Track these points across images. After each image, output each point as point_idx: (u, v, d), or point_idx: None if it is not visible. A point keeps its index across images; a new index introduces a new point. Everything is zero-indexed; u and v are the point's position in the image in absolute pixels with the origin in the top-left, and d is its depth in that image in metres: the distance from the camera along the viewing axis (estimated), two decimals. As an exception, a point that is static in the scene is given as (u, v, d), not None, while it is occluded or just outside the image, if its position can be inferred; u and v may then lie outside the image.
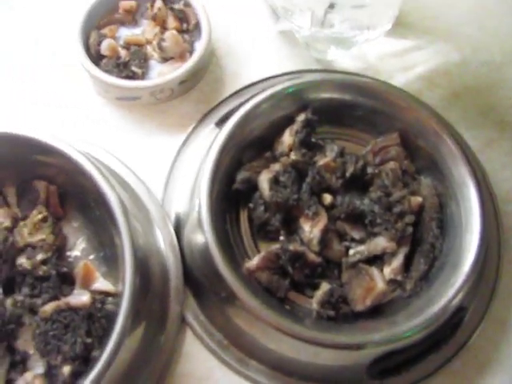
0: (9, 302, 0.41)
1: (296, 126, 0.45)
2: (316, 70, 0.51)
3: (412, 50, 0.53)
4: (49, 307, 0.40)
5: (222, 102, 0.49)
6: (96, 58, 0.49)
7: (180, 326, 0.42)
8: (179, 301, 0.43)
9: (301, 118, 0.46)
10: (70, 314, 0.40)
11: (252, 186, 0.44)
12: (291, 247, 0.42)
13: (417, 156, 0.47)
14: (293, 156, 0.44)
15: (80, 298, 0.41)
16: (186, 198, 0.46)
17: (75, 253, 0.44)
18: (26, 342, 0.41)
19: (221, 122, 0.47)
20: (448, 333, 0.42)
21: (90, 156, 0.43)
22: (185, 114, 0.49)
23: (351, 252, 0.43)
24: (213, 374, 0.42)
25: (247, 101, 0.45)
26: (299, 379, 0.41)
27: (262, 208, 0.43)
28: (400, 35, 0.53)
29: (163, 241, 0.45)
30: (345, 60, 0.52)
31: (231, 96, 0.50)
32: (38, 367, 0.41)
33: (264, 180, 0.43)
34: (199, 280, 0.43)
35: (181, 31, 0.50)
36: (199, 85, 0.50)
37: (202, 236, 0.41)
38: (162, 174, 0.46)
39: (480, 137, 0.50)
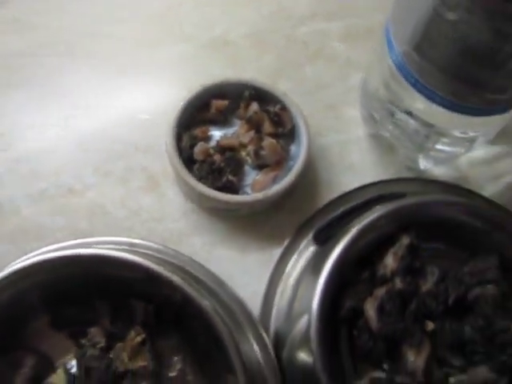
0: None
1: (401, 252, 0.44)
2: (409, 179, 0.50)
3: (504, 157, 0.52)
4: None
5: (317, 212, 0.48)
6: (188, 163, 0.47)
7: None
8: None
9: (405, 241, 0.45)
10: None
11: (356, 315, 0.43)
12: (398, 380, 0.41)
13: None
14: (398, 285, 0.43)
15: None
16: (284, 315, 0.45)
17: (172, 373, 0.43)
18: None
19: (319, 236, 0.46)
20: None
21: (185, 272, 0.42)
22: (280, 224, 0.48)
23: (452, 380, 0.43)
24: None
25: (351, 218, 0.44)
26: None
27: (366, 336, 0.43)
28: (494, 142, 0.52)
29: (261, 359, 0.44)
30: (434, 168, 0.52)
31: (325, 207, 0.49)
32: None
33: (371, 309, 0.43)
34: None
35: (275, 135, 0.49)
36: (299, 190, 0.49)
37: (309, 357, 0.40)
38: (261, 289, 0.45)
39: None
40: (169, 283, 0.39)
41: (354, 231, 0.43)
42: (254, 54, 0.55)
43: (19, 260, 0.41)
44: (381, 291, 0.44)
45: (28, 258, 0.40)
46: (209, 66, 0.54)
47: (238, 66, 0.55)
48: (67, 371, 0.42)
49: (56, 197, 0.48)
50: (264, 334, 0.45)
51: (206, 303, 0.38)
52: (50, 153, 0.50)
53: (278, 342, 0.45)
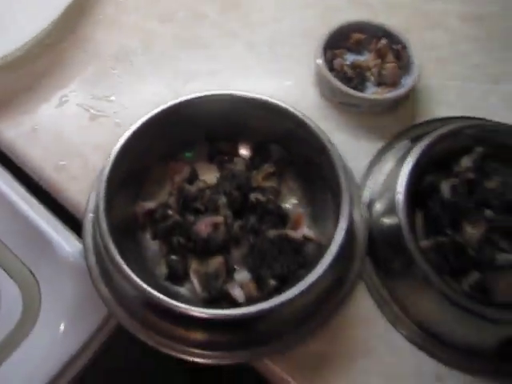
0: (236, 225, 0.55)
1: (475, 156, 0.58)
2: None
3: None
4: (272, 233, 0.54)
5: (416, 125, 0.63)
6: (328, 70, 0.64)
7: (357, 280, 0.55)
8: (361, 258, 0.55)
9: (479, 149, 0.58)
10: (286, 243, 0.53)
11: (433, 189, 0.57)
12: (457, 238, 0.54)
13: None
14: (470, 175, 0.57)
15: (296, 234, 0.54)
16: (379, 187, 0.59)
17: (287, 205, 0.58)
18: (236, 258, 0.55)
19: (415, 140, 0.61)
20: None
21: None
22: (387, 127, 0.63)
23: (499, 256, 0.55)
24: (373, 321, 0.54)
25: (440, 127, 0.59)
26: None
27: (438, 205, 0.56)
28: None
29: (357, 213, 0.57)
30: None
31: (422, 123, 0.63)
32: (246, 275, 0.54)
33: (445, 186, 0.56)
34: (379, 250, 0.56)
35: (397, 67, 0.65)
36: (401, 108, 0.64)
37: (396, 219, 0.53)
38: (362, 167, 0.60)
39: None
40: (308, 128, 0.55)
41: (434, 135, 0.57)
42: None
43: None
44: (456, 179, 0.57)
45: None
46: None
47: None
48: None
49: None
50: (361, 197, 0.59)
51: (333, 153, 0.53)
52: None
53: (371, 205, 0.59)
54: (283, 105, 0.56)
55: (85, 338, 0.57)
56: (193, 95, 0.57)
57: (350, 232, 0.53)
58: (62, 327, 0.57)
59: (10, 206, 0.61)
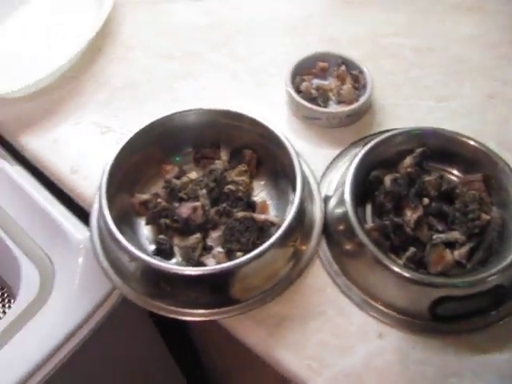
0: (212, 210, 0.67)
1: (416, 155, 0.69)
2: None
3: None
4: (240, 214, 0.65)
5: (370, 135, 0.75)
6: (296, 92, 0.77)
7: (313, 257, 0.66)
8: (317, 239, 0.66)
9: (419, 150, 0.70)
10: (251, 223, 0.65)
11: (379, 182, 0.68)
12: (396, 220, 0.65)
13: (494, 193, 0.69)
14: (410, 169, 0.68)
15: (260, 217, 0.66)
16: (334, 185, 0.70)
17: (257, 198, 0.70)
18: (213, 239, 0.66)
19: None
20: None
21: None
22: (345, 138, 0.75)
23: (434, 236, 0.65)
24: (326, 290, 0.64)
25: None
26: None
27: (382, 195, 0.67)
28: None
29: (316, 205, 0.69)
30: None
31: (376, 133, 0.75)
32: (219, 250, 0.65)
33: (388, 179, 0.68)
34: (332, 234, 0.67)
35: (353, 88, 0.77)
36: (357, 123, 0.76)
37: (344, 208, 0.65)
38: (322, 170, 0.72)
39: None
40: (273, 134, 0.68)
41: (375, 140, 0.69)
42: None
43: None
44: (397, 174, 0.69)
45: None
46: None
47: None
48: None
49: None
50: (319, 192, 0.71)
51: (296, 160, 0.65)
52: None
53: (326, 200, 0.70)
54: (254, 116, 0.69)
55: (90, 308, 0.69)
56: (177, 110, 0.70)
57: (303, 213, 0.64)
58: (71, 299, 0.69)
59: (32, 203, 0.74)
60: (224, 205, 0.66)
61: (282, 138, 0.67)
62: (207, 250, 0.65)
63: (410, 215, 0.66)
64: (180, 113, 0.70)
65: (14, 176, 0.78)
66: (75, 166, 0.74)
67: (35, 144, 0.77)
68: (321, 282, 0.64)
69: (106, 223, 0.62)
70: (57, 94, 0.83)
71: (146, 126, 0.68)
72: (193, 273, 0.59)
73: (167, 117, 0.69)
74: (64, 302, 0.69)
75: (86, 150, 0.76)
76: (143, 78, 0.84)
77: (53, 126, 0.79)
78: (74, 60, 0.83)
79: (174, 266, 0.59)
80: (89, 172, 0.73)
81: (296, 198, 0.62)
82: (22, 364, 0.65)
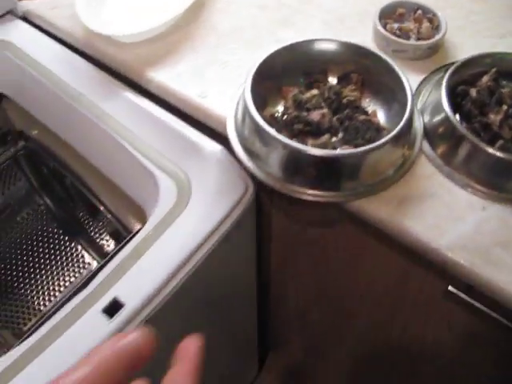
0: (334, 118, 0.81)
1: (491, 73, 0.85)
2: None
3: None
4: (362, 117, 0.79)
5: (446, 64, 0.90)
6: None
7: (419, 154, 0.80)
8: (420, 141, 0.81)
9: (494, 69, 0.85)
10: (370, 124, 0.79)
11: (464, 94, 0.83)
12: (485, 119, 0.80)
13: None
14: (490, 83, 0.84)
15: (376, 119, 0.80)
16: (425, 100, 0.86)
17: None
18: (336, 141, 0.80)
19: (446, 71, 0.88)
20: None
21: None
22: (428, 66, 0.90)
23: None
24: (433, 176, 0.78)
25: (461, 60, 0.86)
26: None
27: (469, 103, 0.82)
28: None
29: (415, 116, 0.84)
30: None
31: (452, 63, 0.90)
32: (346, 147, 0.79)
33: (473, 90, 0.83)
34: (433, 137, 0.82)
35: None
36: (433, 56, 0.91)
37: (444, 114, 0.80)
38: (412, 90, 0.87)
39: None
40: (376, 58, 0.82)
41: (458, 62, 0.84)
42: None
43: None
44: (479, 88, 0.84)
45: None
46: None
47: None
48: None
49: None
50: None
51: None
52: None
53: (422, 111, 0.85)
54: (364, 45, 0.84)
55: (224, 214, 0.81)
56: (301, 39, 0.84)
57: (411, 121, 0.78)
58: (208, 204, 0.81)
59: (167, 128, 0.87)
60: (346, 111, 0.80)
61: (389, 60, 0.81)
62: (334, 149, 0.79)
63: (494, 117, 0.81)
64: (309, 41, 0.84)
65: (143, 105, 0.90)
66: (201, 94, 0.87)
67: (162, 77, 0.90)
68: (428, 172, 0.78)
69: (246, 107, 0.75)
70: (170, 39, 0.96)
71: (275, 52, 0.82)
72: (342, 152, 0.72)
73: (297, 43, 0.83)
74: (201, 206, 0.81)
75: (209, 78, 0.89)
76: (245, 25, 0.98)
77: (174, 64, 0.92)
78: (186, 11, 0.96)
79: (323, 149, 0.73)
80: (215, 98, 0.86)
81: (408, 107, 0.76)
82: (174, 255, 0.77)
